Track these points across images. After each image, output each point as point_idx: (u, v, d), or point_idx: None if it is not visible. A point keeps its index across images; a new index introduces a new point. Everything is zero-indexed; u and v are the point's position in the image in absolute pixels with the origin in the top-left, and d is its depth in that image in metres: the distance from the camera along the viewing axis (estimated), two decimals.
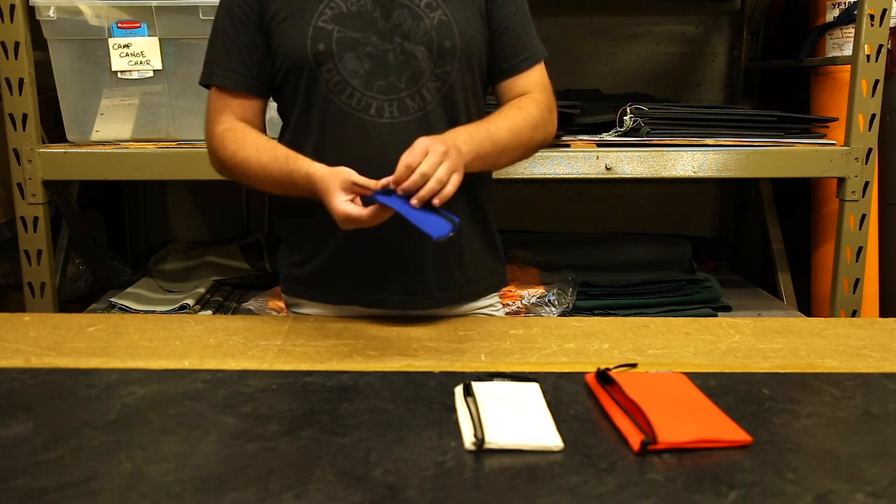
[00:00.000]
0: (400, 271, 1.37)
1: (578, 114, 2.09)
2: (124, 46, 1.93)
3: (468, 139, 1.23)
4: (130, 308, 2.06)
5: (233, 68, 1.34)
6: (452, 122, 1.34)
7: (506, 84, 1.40)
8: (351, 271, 1.39)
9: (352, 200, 1.16)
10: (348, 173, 1.17)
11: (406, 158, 1.14)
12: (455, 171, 1.16)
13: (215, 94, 1.36)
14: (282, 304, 1.62)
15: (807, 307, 2.37)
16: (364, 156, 1.29)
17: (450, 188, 1.15)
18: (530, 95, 1.38)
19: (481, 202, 1.42)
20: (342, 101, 1.31)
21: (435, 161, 1.14)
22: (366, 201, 1.16)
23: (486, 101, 1.44)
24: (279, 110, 1.42)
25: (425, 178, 1.13)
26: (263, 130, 1.39)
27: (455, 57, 1.32)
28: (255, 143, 1.30)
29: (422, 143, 1.16)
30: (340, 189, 1.16)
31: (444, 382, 1.08)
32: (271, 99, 1.42)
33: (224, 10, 1.35)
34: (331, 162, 1.22)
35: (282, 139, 1.40)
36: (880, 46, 1.90)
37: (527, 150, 1.37)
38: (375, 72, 1.30)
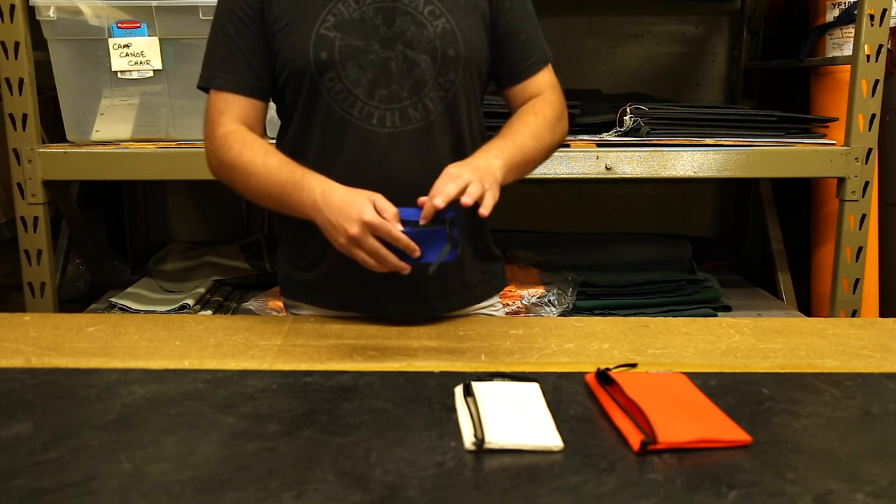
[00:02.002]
0: (399, 280, 1.36)
1: (578, 114, 2.09)
2: (124, 46, 1.93)
3: (500, 158, 1.23)
4: (130, 308, 2.06)
5: (236, 71, 1.32)
6: (455, 131, 1.34)
7: (516, 89, 1.40)
8: (351, 280, 1.38)
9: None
10: (374, 194, 1.14)
11: (438, 188, 1.14)
12: (495, 199, 1.17)
13: (216, 96, 1.34)
14: (282, 304, 1.62)
15: (807, 307, 2.37)
16: (365, 165, 1.29)
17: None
18: (543, 97, 1.38)
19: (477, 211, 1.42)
20: (344, 110, 1.30)
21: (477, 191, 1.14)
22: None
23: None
24: (279, 113, 1.42)
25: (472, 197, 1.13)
26: (265, 133, 1.38)
27: (459, 65, 1.31)
28: (263, 146, 1.28)
29: (452, 173, 1.15)
30: (369, 200, 1.13)
31: (444, 382, 1.08)
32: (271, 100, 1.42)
33: (224, 11, 1.33)
34: (331, 170, 1.22)
35: (280, 143, 1.39)
36: (880, 46, 1.90)
37: (548, 153, 1.38)
38: (378, 80, 1.29)
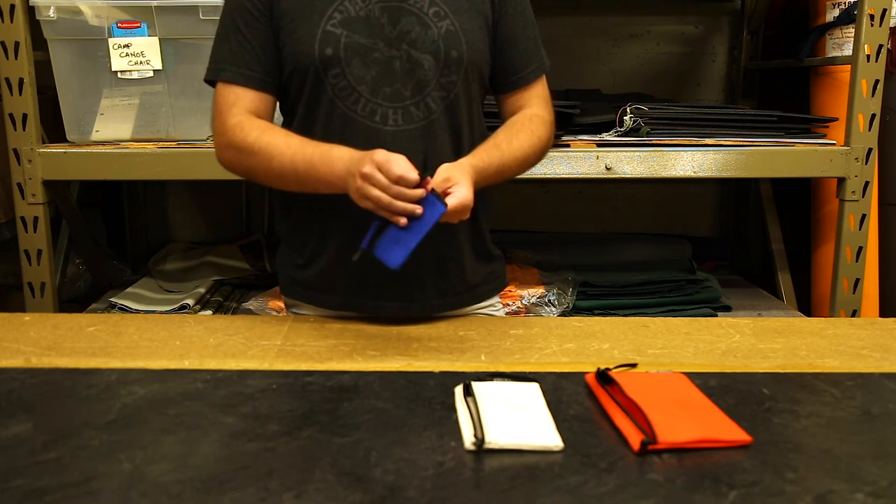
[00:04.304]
0: (399, 279, 1.36)
1: (578, 114, 2.09)
2: (124, 46, 1.93)
3: (481, 172, 1.25)
4: (130, 308, 2.06)
5: (245, 64, 1.32)
6: (455, 131, 1.35)
7: (511, 96, 1.42)
8: (349, 278, 1.38)
9: None
10: (402, 157, 1.17)
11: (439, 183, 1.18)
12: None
13: (225, 89, 1.33)
14: (282, 304, 1.62)
15: (807, 307, 2.37)
16: None
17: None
18: (539, 116, 1.40)
19: (477, 212, 1.42)
20: (347, 107, 1.31)
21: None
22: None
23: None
24: (282, 109, 1.42)
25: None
26: None
27: (461, 67, 1.33)
28: (282, 129, 1.30)
29: (448, 173, 1.19)
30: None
31: (444, 382, 1.08)
32: None
33: (234, 6, 1.33)
34: None
35: None
36: (880, 46, 1.90)
37: (525, 171, 1.41)
38: (381, 78, 1.30)
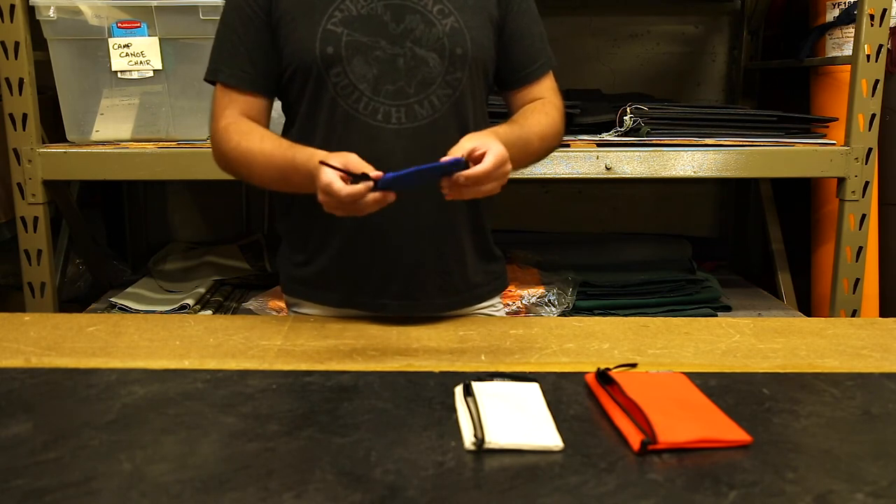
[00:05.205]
0: (400, 277, 1.37)
1: (578, 114, 2.09)
2: (124, 46, 1.93)
3: (504, 140, 1.21)
4: (130, 308, 2.06)
5: (239, 66, 1.33)
6: (461, 128, 1.35)
7: (520, 92, 1.43)
8: (351, 276, 1.39)
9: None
10: (352, 155, 1.14)
11: (471, 146, 1.14)
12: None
13: (221, 90, 1.35)
14: (282, 304, 1.62)
15: (807, 307, 2.37)
16: (369, 160, 1.29)
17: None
18: (551, 101, 1.40)
19: (480, 210, 1.42)
20: (349, 105, 1.31)
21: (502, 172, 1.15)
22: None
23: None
24: (284, 109, 1.42)
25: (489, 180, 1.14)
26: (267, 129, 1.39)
27: (466, 64, 1.33)
28: (260, 134, 1.30)
29: (474, 141, 1.16)
30: (338, 161, 1.13)
31: (444, 382, 1.08)
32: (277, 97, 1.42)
33: (232, 6, 1.34)
34: None
35: (286, 137, 1.40)
36: (880, 46, 1.90)
37: (544, 156, 1.42)
38: (384, 77, 1.30)
